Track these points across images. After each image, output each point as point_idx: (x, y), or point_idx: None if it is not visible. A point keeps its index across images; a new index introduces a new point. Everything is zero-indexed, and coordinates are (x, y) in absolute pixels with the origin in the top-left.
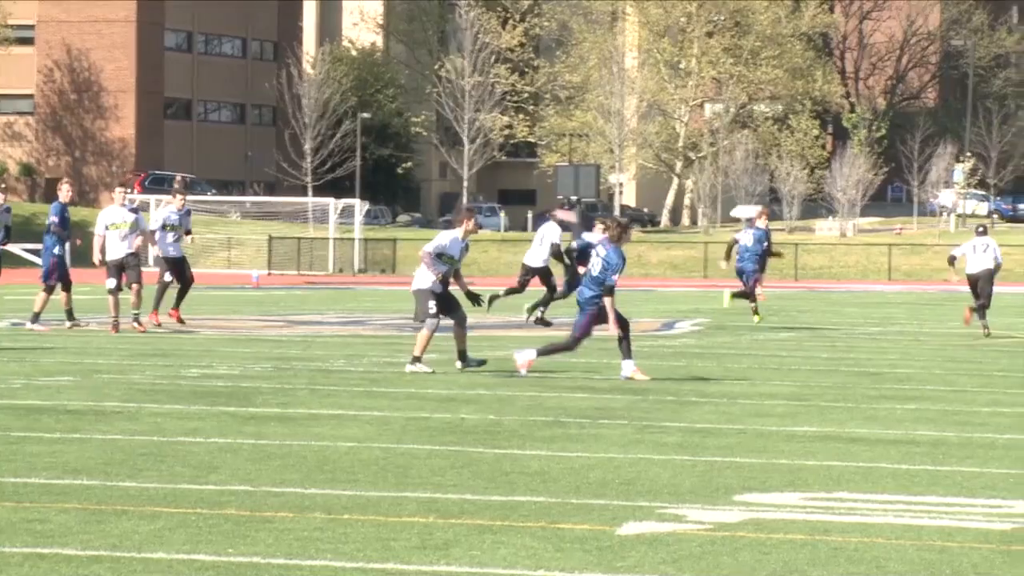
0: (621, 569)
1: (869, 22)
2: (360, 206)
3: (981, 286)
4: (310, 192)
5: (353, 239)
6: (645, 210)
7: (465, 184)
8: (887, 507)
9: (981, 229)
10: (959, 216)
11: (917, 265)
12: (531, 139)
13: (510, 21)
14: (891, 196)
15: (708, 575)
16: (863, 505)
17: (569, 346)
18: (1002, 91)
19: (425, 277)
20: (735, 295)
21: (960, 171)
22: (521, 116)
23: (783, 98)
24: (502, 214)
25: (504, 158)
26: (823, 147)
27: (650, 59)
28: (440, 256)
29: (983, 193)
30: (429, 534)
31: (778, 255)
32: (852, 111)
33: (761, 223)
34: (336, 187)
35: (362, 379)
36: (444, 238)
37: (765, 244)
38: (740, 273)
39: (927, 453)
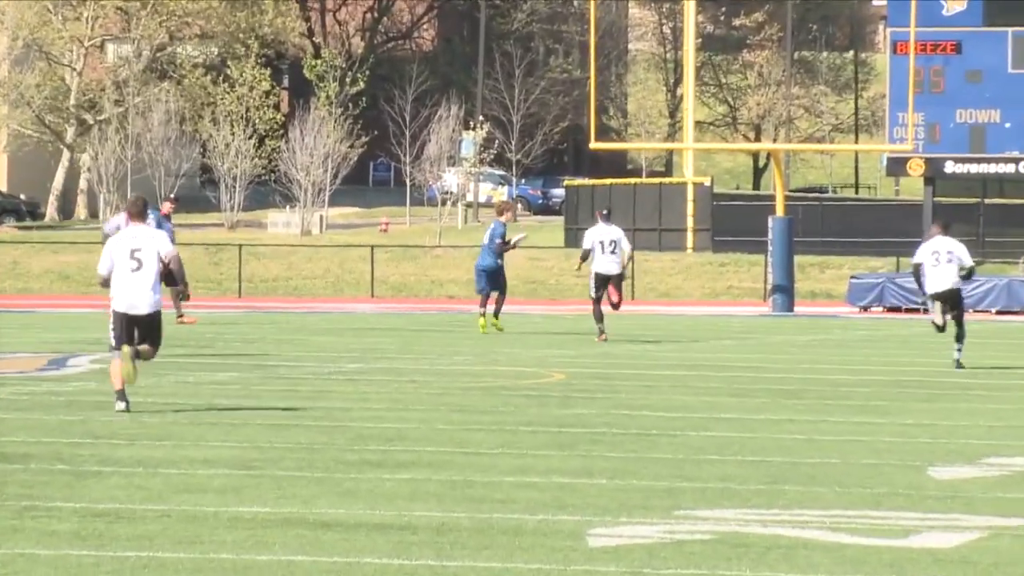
0: None
1: None
2: None
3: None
4: None
5: None
6: (22, 196)
7: None
8: None
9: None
10: (468, 206)
11: (411, 275)
12: None
13: None
14: (374, 177)
15: None
16: None
17: None
18: (526, 29)
19: None
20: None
21: (470, 142)
22: None
23: (219, 37)
24: None
25: None
26: (277, 107)
27: None
28: None
29: (502, 173)
30: None
31: None
32: (317, 56)
33: None
34: None
35: None
36: None
37: None
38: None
39: (429, 543)
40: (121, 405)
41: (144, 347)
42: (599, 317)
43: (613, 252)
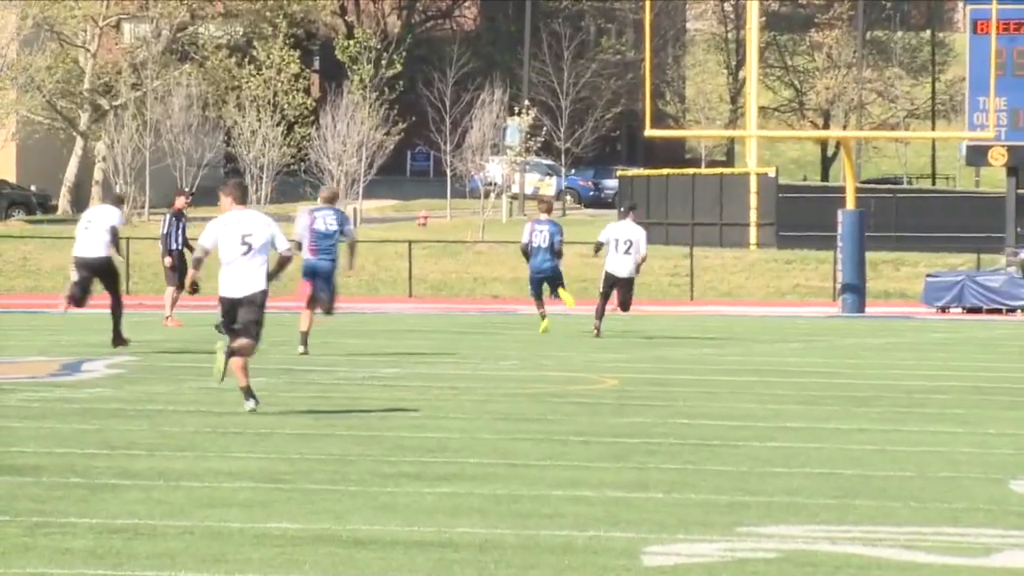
0: None
1: None
2: None
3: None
4: None
5: None
6: (32, 188)
7: None
8: None
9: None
10: (513, 198)
11: (452, 273)
12: None
13: None
14: (412, 167)
15: None
16: None
17: None
18: (576, 7)
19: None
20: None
21: (516, 129)
22: None
23: (244, 15)
24: None
25: None
26: (307, 92)
27: None
28: None
29: (550, 163)
30: None
31: None
32: (351, 36)
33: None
34: None
35: None
36: None
37: None
38: None
39: (472, 561)
40: (250, 404)
41: (240, 342)
42: (599, 313)
43: (627, 252)
